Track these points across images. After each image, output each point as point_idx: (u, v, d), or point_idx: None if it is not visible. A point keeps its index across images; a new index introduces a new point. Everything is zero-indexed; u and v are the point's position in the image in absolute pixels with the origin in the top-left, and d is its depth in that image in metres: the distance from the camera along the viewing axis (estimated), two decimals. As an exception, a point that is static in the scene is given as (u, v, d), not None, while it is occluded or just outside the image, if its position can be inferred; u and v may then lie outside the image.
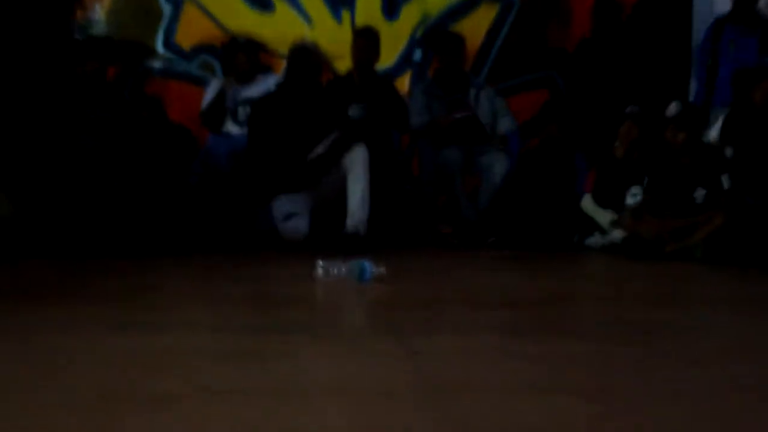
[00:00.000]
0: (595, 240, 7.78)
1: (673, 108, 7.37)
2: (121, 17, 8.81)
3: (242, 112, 8.27)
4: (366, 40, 8.33)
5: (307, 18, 8.93)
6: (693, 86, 8.74)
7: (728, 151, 7.08)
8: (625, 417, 2.47)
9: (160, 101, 8.24)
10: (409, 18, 9.04)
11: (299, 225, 7.25)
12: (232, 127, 8.28)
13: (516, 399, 2.71)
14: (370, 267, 5.36)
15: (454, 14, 9.05)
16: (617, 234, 7.50)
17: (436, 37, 8.68)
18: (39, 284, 5.42)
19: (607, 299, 5.45)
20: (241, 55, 8.36)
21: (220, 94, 8.28)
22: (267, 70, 8.57)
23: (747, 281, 6.17)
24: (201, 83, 8.73)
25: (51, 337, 3.62)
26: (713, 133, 7.59)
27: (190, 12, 8.86)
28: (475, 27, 9.02)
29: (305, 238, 7.30)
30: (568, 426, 2.36)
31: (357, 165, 7.03)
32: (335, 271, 5.42)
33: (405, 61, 9.01)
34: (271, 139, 7.11)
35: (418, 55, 8.99)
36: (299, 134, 7.08)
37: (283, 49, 8.57)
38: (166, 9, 8.82)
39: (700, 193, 7.11)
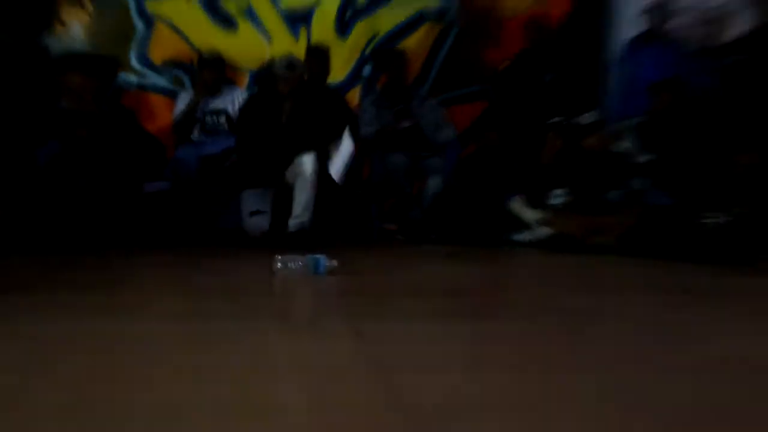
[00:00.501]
0: (523, 236, 7.84)
1: (587, 117, 7.53)
2: (98, 34, 8.80)
3: (209, 121, 8.32)
4: (316, 58, 8.44)
5: (268, 36, 8.93)
6: (609, 98, 8.85)
7: (643, 157, 7.23)
8: (543, 385, 2.79)
9: (133, 113, 8.31)
10: (359, 36, 9.04)
11: (261, 221, 7.37)
12: (199, 136, 8.32)
13: (448, 373, 2.99)
14: (324, 261, 5.55)
15: (400, 33, 9.06)
16: (543, 231, 7.64)
17: (383, 54, 8.72)
18: (26, 278, 5.48)
19: (533, 287, 5.64)
20: (208, 70, 8.40)
21: (191, 105, 8.29)
22: (231, 83, 8.58)
23: (657, 270, 6.32)
24: (172, 95, 8.72)
25: (39, 325, 3.81)
26: (626, 141, 7.75)
27: (161, 30, 8.82)
28: (419, 45, 9.03)
29: (265, 234, 7.45)
30: (494, 399, 2.64)
31: (304, 172, 7.18)
32: (292, 264, 5.58)
33: (356, 76, 8.99)
34: (253, 137, 7.31)
35: (367, 70, 8.98)
36: (275, 136, 7.25)
37: (246, 64, 8.81)
38: (140, 27, 8.78)
39: (615, 194, 7.30)
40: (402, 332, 3.89)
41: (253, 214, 7.38)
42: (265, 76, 7.67)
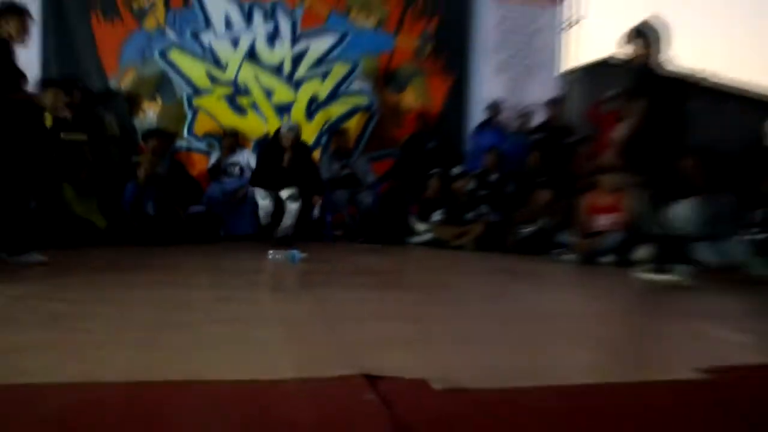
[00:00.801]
0: (416, 239, 7.80)
1: (456, 170, 7.60)
2: (165, 117, 8.65)
3: (229, 170, 8.21)
4: (294, 132, 8.19)
5: (265, 119, 8.81)
6: (467, 159, 8.85)
7: (482, 192, 7.29)
8: (428, 332, 2.87)
9: (183, 164, 8.21)
10: (320, 120, 8.91)
11: (267, 210, 7.35)
12: (223, 178, 8.19)
13: (371, 323, 3.06)
14: (298, 254, 5.57)
15: (344, 118, 8.94)
16: (428, 236, 7.62)
17: (334, 130, 8.70)
18: (113, 262, 5.43)
19: (421, 270, 5.72)
20: (228, 139, 8.32)
21: (218, 160, 8.24)
22: (243, 147, 8.45)
23: (493, 260, 6.39)
24: (207, 154, 8.60)
25: (122, 292, 3.81)
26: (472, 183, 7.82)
27: (201, 115, 8.71)
28: (355, 125, 8.98)
29: (266, 222, 7.43)
30: (400, 337, 2.81)
31: (291, 205, 7.16)
32: (279, 256, 5.58)
33: (317, 143, 8.88)
34: (266, 168, 7.29)
35: (324, 139, 8.89)
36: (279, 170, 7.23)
37: (252, 136, 8.73)
38: (189, 113, 8.65)
39: (470, 215, 7.38)
40: (342, 298, 3.97)
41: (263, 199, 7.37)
42: (275, 134, 7.59)
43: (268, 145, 7.90)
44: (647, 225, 5.06)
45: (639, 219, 5.20)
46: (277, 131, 7.64)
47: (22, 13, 4.91)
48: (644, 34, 4.98)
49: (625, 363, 2.50)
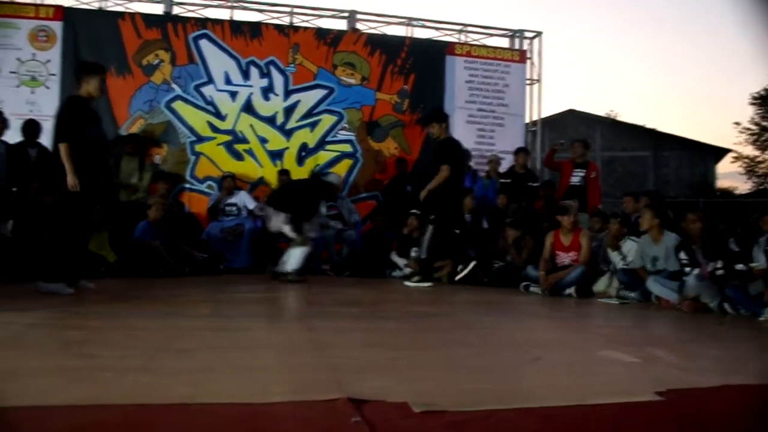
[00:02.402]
0: (396, 273, 7.72)
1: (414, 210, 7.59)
2: (170, 161, 8.63)
3: (227, 209, 8.15)
4: (285, 176, 8.40)
5: (260, 164, 8.84)
6: None
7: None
8: (409, 358, 2.82)
9: (183, 204, 8.24)
10: (309, 165, 8.90)
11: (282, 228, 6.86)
12: (221, 217, 8.15)
13: (357, 350, 3.02)
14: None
15: (330, 164, 8.96)
16: (407, 270, 7.49)
17: (317, 174, 8.70)
18: (126, 293, 5.31)
19: (402, 301, 5.64)
20: (227, 181, 8.25)
21: (218, 201, 8.18)
22: (240, 189, 8.40)
23: (473, 292, 6.35)
24: (207, 195, 8.56)
25: (132, 320, 3.74)
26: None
27: (202, 160, 8.69)
28: (341, 170, 8.97)
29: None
30: (383, 363, 2.78)
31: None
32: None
33: None
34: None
35: (314, 183, 8.96)
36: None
37: (248, 179, 8.74)
38: (192, 158, 8.64)
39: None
40: (330, 326, 3.90)
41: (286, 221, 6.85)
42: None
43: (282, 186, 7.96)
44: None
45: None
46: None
47: (102, 73, 5.25)
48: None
49: (592, 386, 2.46)
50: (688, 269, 5.30)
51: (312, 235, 7.09)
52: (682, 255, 5.40)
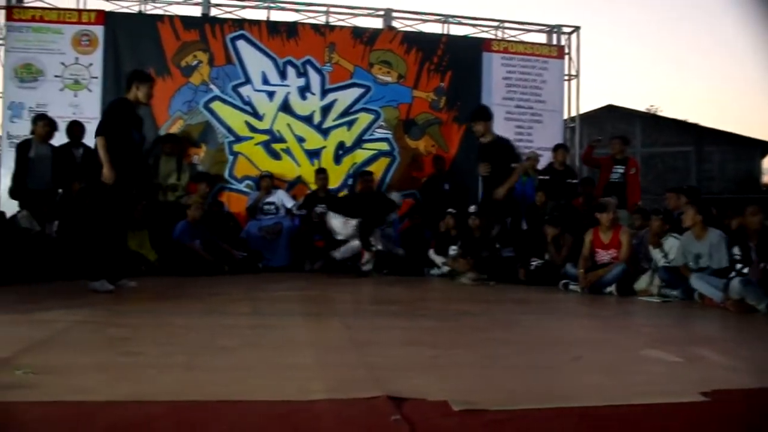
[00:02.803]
0: (434, 271, 7.73)
1: (471, 208, 7.53)
2: (209, 161, 8.70)
3: (266, 208, 8.22)
4: (323, 175, 8.46)
5: (298, 163, 8.89)
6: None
7: (496, 230, 7.19)
8: (449, 356, 2.81)
9: (222, 203, 8.33)
10: (346, 163, 8.97)
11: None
12: (261, 215, 8.21)
13: (395, 348, 3.02)
14: None
15: (368, 162, 8.97)
16: (446, 268, 7.50)
17: (359, 173, 8.68)
18: (170, 291, 5.42)
19: (440, 300, 5.63)
20: (265, 181, 8.31)
21: (256, 200, 8.23)
22: (277, 188, 8.48)
23: (510, 292, 6.26)
24: (246, 194, 8.63)
25: (175, 318, 3.81)
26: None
27: (241, 159, 8.77)
28: (378, 168, 8.98)
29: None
30: (422, 361, 2.77)
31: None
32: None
33: (344, 184, 8.94)
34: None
35: (350, 180, 8.93)
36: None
37: (285, 178, 8.82)
38: (230, 158, 8.73)
39: (484, 250, 7.26)
40: (369, 324, 3.90)
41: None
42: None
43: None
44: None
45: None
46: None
47: (152, 81, 5.44)
48: None
49: (634, 386, 2.43)
50: (739, 266, 5.14)
51: (378, 247, 7.39)
52: (736, 250, 5.22)
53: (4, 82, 8.45)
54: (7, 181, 7.41)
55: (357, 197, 7.70)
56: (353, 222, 7.16)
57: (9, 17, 8.54)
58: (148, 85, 5.32)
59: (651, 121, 24.14)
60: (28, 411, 1.84)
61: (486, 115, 6.97)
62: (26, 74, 8.43)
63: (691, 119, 24.82)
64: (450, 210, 7.85)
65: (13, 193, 6.95)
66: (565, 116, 9.96)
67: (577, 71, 9.89)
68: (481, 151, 7.01)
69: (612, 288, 5.99)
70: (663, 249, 6.14)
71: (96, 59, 8.52)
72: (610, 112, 23.03)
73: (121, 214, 5.21)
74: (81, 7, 8.79)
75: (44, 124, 6.95)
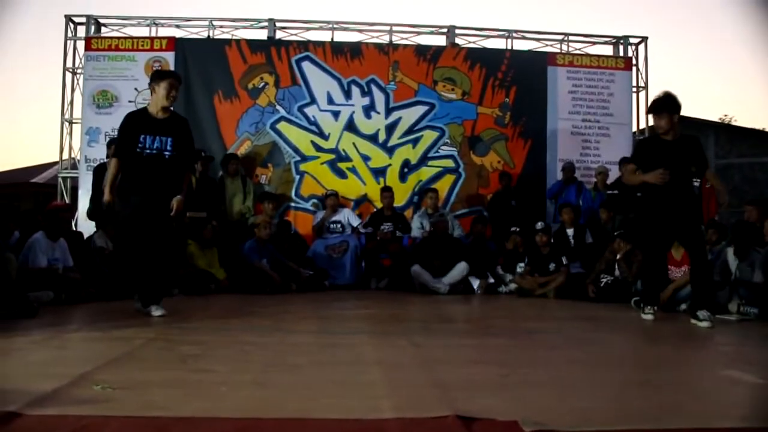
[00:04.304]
0: (502, 288, 7.61)
1: (538, 225, 7.45)
2: (276, 181, 8.88)
3: (332, 227, 8.32)
4: (388, 193, 8.52)
5: (363, 182, 9.00)
6: (547, 214, 8.83)
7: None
8: (518, 375, 2.78)
9: (289, 222, 8.43)
10: (411, 181, 9.05)
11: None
12: (327, 234, 8.32)
13: (464, 367, 2.99)
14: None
15: (433, 180, 9.01)
16: (514, 285, 7.42)
17: (425, 190, 8.68)
18: (237, 309, 5.44)
19: (509, 317, 5.55)
20: (331, 199, 8.41)
21: (323, 219, 8.32)
22: (343, 206, 8.58)
23: (575, 308, 6.16)
24: (312, 213, 8.77)
25: (244, 336, 3.86)
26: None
27: (307, 178, 8.93)
28: (444, 186, 9.02)
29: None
30: (491, 380, 2.72)
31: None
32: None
33: (410, 202, 8.98)
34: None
35: (416, 198, 8.97)
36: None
37: (351, 197, 8.94)
38: (296, 177, 8.90)
39: (552, 266, 7.17)
40: (435, 343, 3.88)
41: None
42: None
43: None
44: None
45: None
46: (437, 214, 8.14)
47: (168, 78, 4.79)
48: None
49: (716, 408, 2.33)
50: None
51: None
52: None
53: (83, 108, 8.89)
54: (86, 202, 7.75)
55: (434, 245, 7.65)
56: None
57: (88, 47, 9.00)
58: (166, 83, 4.70)
59: (725, 131, 23.31)
60: (105, 425, 1.89)
61: (673, 106, 5.36)
62: (102, 100, 8.84)
63: (771, 128, 23.82)
64: (513, 228, 7.79)
65: (92, 214, 7.24)
66: (634, 128, 9.78)
67: (646, 82, 9.71)
68: (658, 151, 5.33)
69: (686, 305, 5.78)
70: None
71: (167, 84, 8.84)
72: (681, 122, 22.31)
73: (141, 235, 4.65)
74: (153, 34, 9.18)
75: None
